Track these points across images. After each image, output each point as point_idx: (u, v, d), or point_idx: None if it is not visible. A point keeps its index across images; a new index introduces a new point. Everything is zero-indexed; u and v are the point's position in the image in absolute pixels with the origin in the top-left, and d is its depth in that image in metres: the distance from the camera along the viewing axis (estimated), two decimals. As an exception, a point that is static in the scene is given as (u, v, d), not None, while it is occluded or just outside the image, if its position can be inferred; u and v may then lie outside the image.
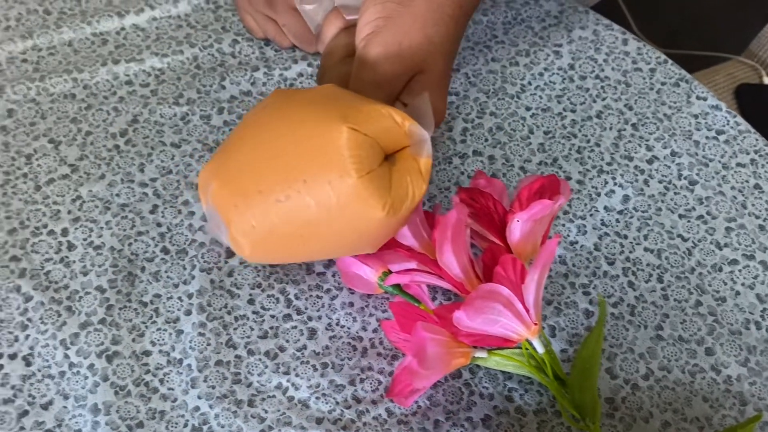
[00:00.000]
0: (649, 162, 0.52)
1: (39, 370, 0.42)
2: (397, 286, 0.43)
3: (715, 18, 1.26)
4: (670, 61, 0.56)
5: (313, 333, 0.44)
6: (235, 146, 0.41)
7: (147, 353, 0.43)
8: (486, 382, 0.43)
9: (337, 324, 0.45)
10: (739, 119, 0.53)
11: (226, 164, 0.41)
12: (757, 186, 0.51)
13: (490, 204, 0.42)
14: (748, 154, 0.52)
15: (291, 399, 0.42)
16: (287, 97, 0.41)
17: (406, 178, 0.39)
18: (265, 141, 0.40)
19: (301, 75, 0.53)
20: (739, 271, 0.48)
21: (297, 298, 0.45)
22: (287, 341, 0.44)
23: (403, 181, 0.39)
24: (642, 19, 1.17)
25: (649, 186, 0.51)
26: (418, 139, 0.39)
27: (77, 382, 0.42)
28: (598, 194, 0.50)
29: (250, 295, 0.45)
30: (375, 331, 0.45)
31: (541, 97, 0.54)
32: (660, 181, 0.51)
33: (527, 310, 0.39)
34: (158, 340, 0.43)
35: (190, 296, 0.45)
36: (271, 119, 0.40)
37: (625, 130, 0.53)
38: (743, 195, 0.51)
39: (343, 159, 0.38)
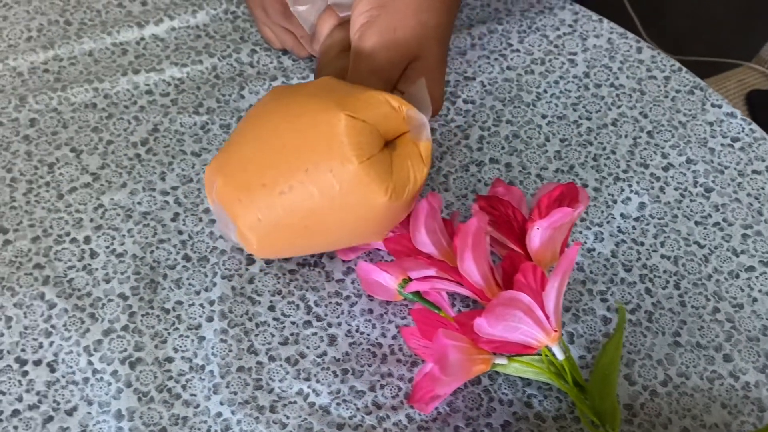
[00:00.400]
0: (665, 169, 0.52)
1: (63, 377, 0.43)
2: (417, 293, 0.43)
3: (725, 24, 1.27)
4: (684, 69, 0.56)
5: (333, 339, 0.45)
6: (237, 143, 0.42)
7: (169, 360, 0.44)
8: (505, 388, 0.43)
9: (357, 330, 0.45)
10: (754, 126, 0.54)
11: (229, 161, 0.41)
12: (772, 193, 0.51)
13: (509, 212, 0.42)
14: (763, 161, 0.52)
15: (312, 405, 0.43)
16: (285, 92, 0.42)
17: (407, 163, 0.40)
18: (266, 136, 0.41)
19: (318, 84, 0.54)
20: (756, 277, 0.48)
21: (317, 304, 0.46)
22: (308, 347, 0.44)
23: (404, 165, 0.40)
24: (650, 25, 1.18)
25: (665, 193, 0.51)
26: (417, 123, 0.40)
27: (101, 388, 0.42)
28: (615, 201, 0.50)
29: (271, 301, 0.46)
30: (394, 337, 0.45)
31: (556, 105, 0.54)
32: (676, 189, 0.51)
33: (547, 317, 0.39)
34: (180, 347, 0.44)
35: (211, 303, 0.45)
36: (271, 114, 0.41)
37: (640, 137, 0.53)
38: (759, 202, 0.51)
39: (342, 146, 0.38)
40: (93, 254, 0.47)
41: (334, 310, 0.46)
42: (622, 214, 0.50)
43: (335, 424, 0.42)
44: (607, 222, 0.50)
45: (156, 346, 0.44)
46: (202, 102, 0.53)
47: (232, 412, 0.42)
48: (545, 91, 0.55)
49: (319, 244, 0.43)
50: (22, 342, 0.44)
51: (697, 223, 0.50)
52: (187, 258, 0.47)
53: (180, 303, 0.45)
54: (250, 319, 0.45)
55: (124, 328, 0.44)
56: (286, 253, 0.45)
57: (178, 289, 0.46)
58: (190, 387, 0.43)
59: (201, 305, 0.45)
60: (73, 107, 0.52)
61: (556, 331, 0.39)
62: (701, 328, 0.46)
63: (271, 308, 0.46)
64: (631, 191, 0.51)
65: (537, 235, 0.41)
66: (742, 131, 0.54)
